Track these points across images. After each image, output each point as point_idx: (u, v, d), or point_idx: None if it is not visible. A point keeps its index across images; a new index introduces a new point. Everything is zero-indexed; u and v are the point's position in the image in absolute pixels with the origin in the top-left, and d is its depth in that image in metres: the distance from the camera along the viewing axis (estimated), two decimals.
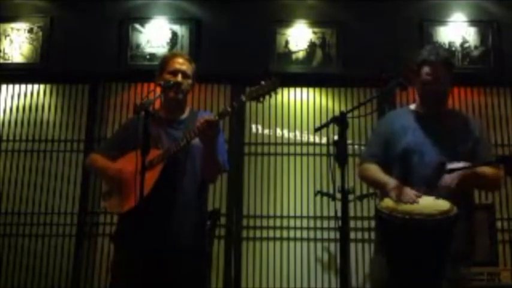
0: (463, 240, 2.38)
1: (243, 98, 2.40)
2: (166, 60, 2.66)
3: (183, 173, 2.52)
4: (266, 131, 4.62)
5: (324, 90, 4.69)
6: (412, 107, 2.67)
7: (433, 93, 2.53)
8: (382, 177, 2.48)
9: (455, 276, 2.33)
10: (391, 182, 2.41)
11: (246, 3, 4.68)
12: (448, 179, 2.33)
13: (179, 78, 2.57)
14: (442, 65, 2.51)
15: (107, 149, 2.72)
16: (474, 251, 2.59)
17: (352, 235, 4.31)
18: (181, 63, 2.61)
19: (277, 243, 4.43)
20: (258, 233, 4.44)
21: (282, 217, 4.46)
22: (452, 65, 2.57)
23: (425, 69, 2.51)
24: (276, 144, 4.60)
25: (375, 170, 2.54)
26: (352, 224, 4.30)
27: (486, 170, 2.43)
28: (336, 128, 2.25)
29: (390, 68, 3.81)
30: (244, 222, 4.43)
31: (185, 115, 2.67)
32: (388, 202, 2.33)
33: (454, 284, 2.33)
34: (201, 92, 4.58)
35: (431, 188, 2.36)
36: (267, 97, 2.37)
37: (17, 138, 4.66)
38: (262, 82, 2.37)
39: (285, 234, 4.44)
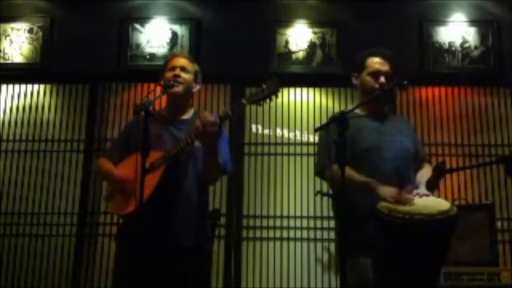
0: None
1: (244, 101, 2.40)
2: (167, 60, 2.73)
3: (185, 174, 2.53)
4: (266, 131, 4.62)
5: (324, 90, 4.68)
6: (357, 110, 2.64)
7: (389, 93, 2.66)
8: (359, 177, 2.49)
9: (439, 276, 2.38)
10: (373, 181, 2.44)
11: (246, 3, 4.68)
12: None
13: (177, 71, 2.61)
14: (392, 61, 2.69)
15: (111, 152, 2.74)
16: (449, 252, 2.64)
17: None
18: (180, 62, 2.66)
19: (277, 243, 4.42)
20: (258, 233, 4.44)
21: (282, 217, 4.46)
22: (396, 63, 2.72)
23: (376, 59, 2.66)
24: (276, 144, 4.59)
25: (349, 171, 2.48)
26: None
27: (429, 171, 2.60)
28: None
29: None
30: (244, 222, 4.43)
31: (189, 115, 2.68)
32: (387, 202, 2.33)
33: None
34: (201, 92, 4.55)
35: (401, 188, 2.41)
36: (268, 100, 2.37)
37: (17, 138, 4.66)
38: (264, 85, 2.36)
39: (285, 234, 4.44)
